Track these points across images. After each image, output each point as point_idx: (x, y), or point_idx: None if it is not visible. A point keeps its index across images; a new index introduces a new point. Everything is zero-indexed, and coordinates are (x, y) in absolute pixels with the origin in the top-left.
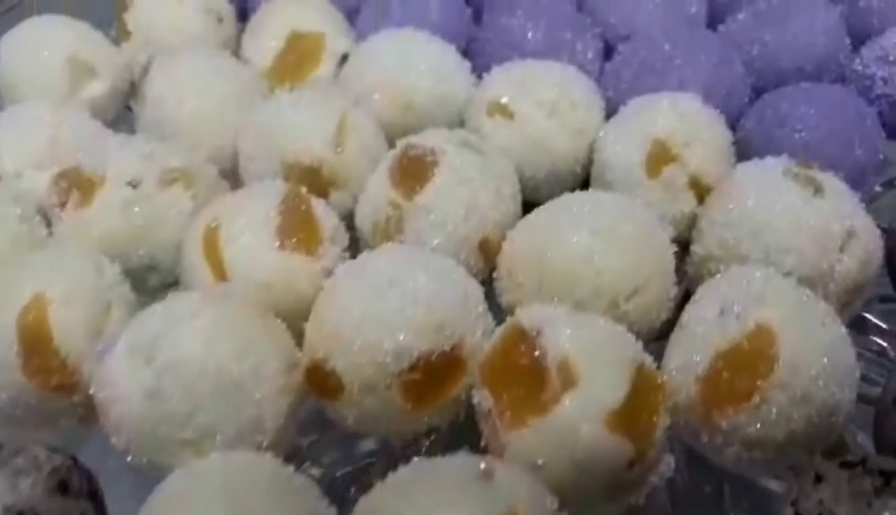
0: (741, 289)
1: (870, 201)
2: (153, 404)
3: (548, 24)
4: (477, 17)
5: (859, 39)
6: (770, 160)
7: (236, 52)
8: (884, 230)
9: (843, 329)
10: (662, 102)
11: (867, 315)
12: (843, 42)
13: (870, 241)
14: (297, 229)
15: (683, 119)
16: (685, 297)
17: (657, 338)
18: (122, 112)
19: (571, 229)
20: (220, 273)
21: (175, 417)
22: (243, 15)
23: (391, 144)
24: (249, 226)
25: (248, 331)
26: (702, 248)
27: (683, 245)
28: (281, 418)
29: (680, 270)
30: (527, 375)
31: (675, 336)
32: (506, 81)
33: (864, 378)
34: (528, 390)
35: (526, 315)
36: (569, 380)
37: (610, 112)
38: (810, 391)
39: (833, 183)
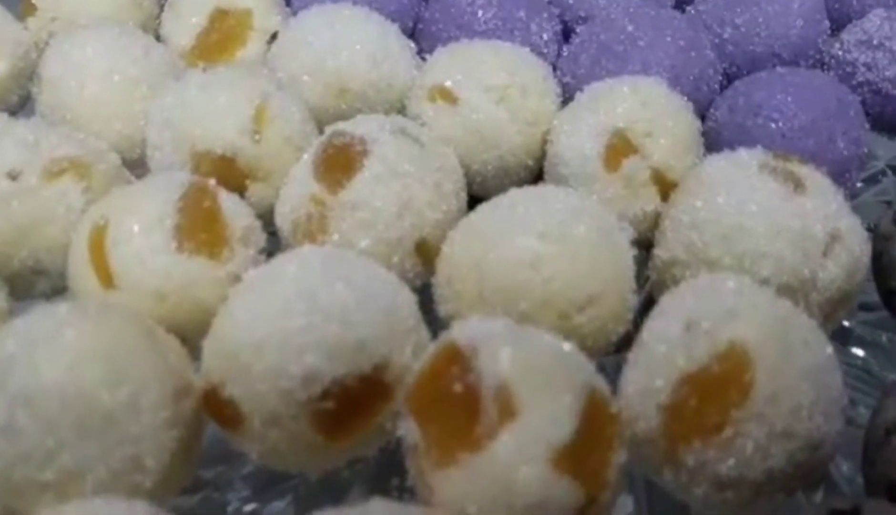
0: (710, 301)
1: (852, 198)
2: (5, 441)
3: (500, 2)
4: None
5: (839, 23)
6: (743, 153)
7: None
8: (868, 230)
9: (829, 348)
10: (622, 88)
11: (848, 325)
12: (823, 25)
13: (856, 244)
14: (198, 229)
15: (646, 106)
16: (647, 306)
17: (614, 351)
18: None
19: (516, 232)
20: (107, 279)
21: (32, 456)
22: None
23: (324, 131)
24: (141, 225)
25: (126, 352)
26: (665, 251)
27: (646, 246)
28: (166, 455)
29: (641, 274)
30: (460, 403)
31: (635, 355)
32: (450, 63)
33: None
34: (461, 422)
35: (461, 331)
36: (507, 411)
37: (567, 98)
38: (791, 423)
39: (815, 178)
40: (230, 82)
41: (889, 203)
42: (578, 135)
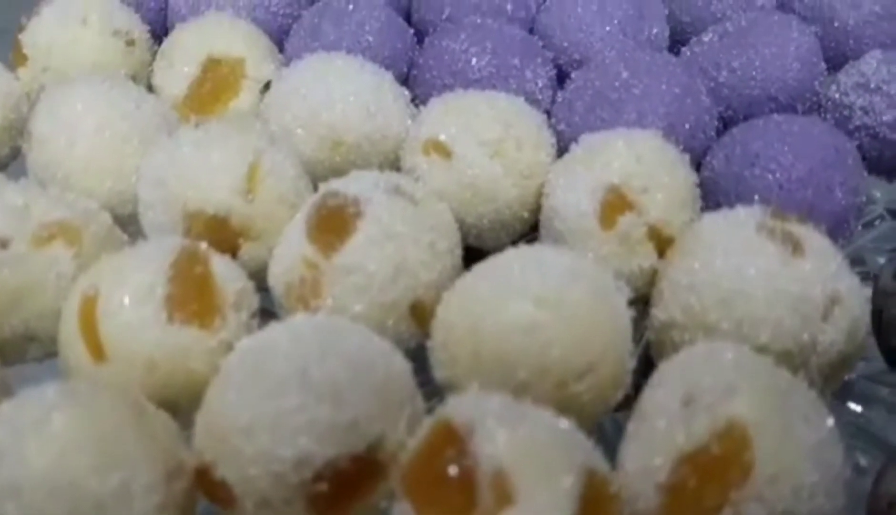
0: (709, 373)
1: (849, 244)
2: None
3: (494, 49)
4: (421, 40)
5: (836, 61)
6: (741, 211)
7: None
8: (866, 277)
9: (830, 421)
10: (617, 142)
11: (847, 378)
12: (819, 67)
13: (856, 305)
14: (189, 297)
15: (641, 161)
16: (644, 365)
17: (613, 410)
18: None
19: (511, 297)
20: (97, 352)
21: None
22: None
23: (318, 186)
24: (131, 296)
25: (116, 436)
26: (663, 312)
27: (643, 301)
28: None
29: (639, 329)
30: (456, 487)
31: (634, 428)
32: (444, 115)
33: None
34: (457, 506)
35: (456, 409)
36: (504, 497)
37: (562, 147)
38: (792, 504)
39: (814, 239)
40: (222, 140)
41: (890, 251)
42: (573, 190)
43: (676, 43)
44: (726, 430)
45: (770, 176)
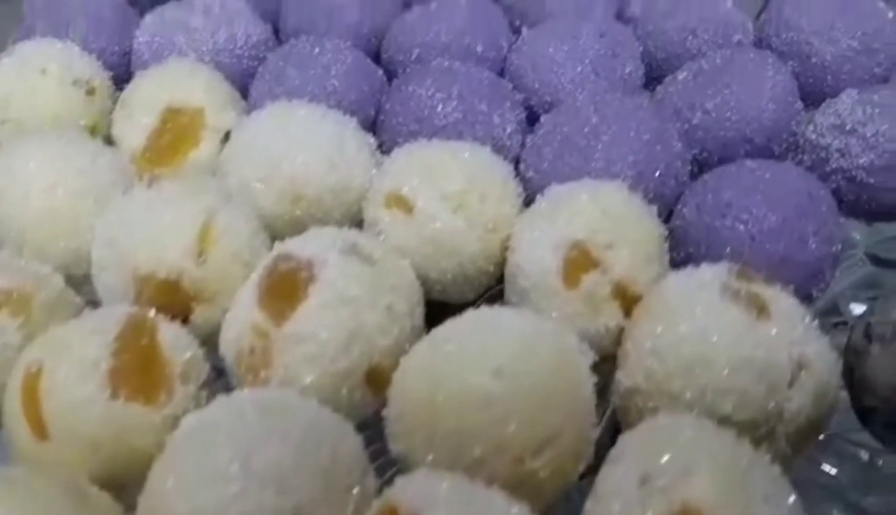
0: (667, 451)
1: (826, 291)
2: None
3: (460, 93)
4: (391, 79)
5: (813, 99)
6: (706, 270)
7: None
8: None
9: (792, 497)
10: (581, 196)
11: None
12: (795, 107)
13: (824, 369)
14: (134, 372)
15: (605, 216)
16: (614, 429)
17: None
18: None
19: (468, 369)
20: (40, 430)
21: None
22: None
23: (278, 241)
24: (75, 372)
25: None
26: (628, 377)
27: (610, 359)
28: None
29: (606, 391)
30: None
31: (591, 507)
32: (407, 167)
33: None
34: None
35: (404, 493)
36: None
37: (531, 194)
38: None
39: (780, 300)
40: (174, 200)
41: (870, 298)
42: (537, 247)
43: (652, 80)
44: (682, 513)
45: (741, 227)
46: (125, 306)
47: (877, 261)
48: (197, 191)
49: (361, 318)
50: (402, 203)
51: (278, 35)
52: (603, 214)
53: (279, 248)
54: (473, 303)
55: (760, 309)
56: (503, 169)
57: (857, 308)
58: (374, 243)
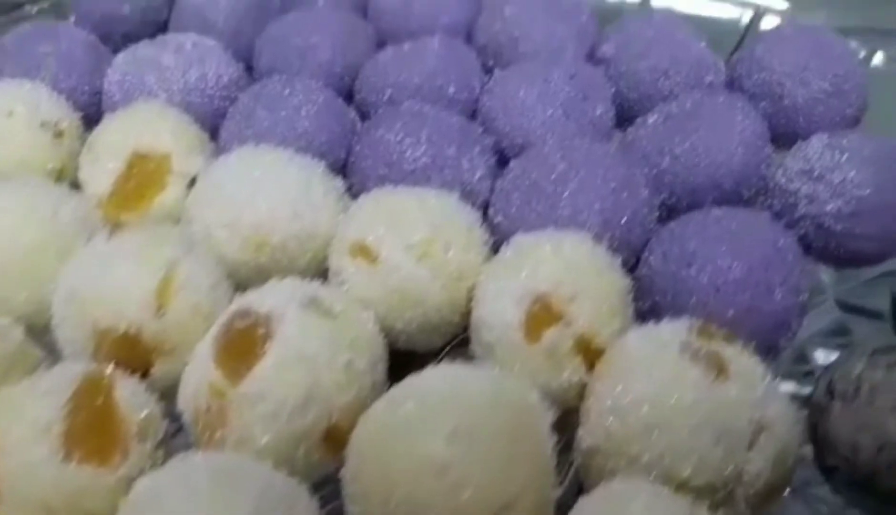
0: None
1: (792, 338)
2: None
3: (429, 138)
4: (365, 118)
5: (785, 141)
6: (667, 328)
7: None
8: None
9: None
10: (545, 247)
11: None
12: (765, 151)
13: (784, 431)
14: (89, 432)
15: (569, 269)
16: (577, 486)
17: None
18: None
19: (423, 434)
20: None
21: None
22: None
23: (243, 290)
24: (28, 432)
25: None
26: (589, 435)
27: (575, 413)
28: None
29: (568, 450)
30: None
31: None
32: (372, 214)
33: None
34: None
35: None
36: None
37: (500, 239)
38: None
39: (740, 361)
40: (134, 253)
41: (840, 346)
42: (499, 300)
43: (624, 121)
44: None
45: (706, 278)
46: (81, 363)
47: (846, 307)
48: (158, 242)
49: (319, 376)
50: (366, 253)
51: (253, 72)
52: (566, 266)
53: (238, 302)
54: (441, 350)
55: (720, 370)
56: (469, 216)
57: (826, 356)
58: (335, 295)
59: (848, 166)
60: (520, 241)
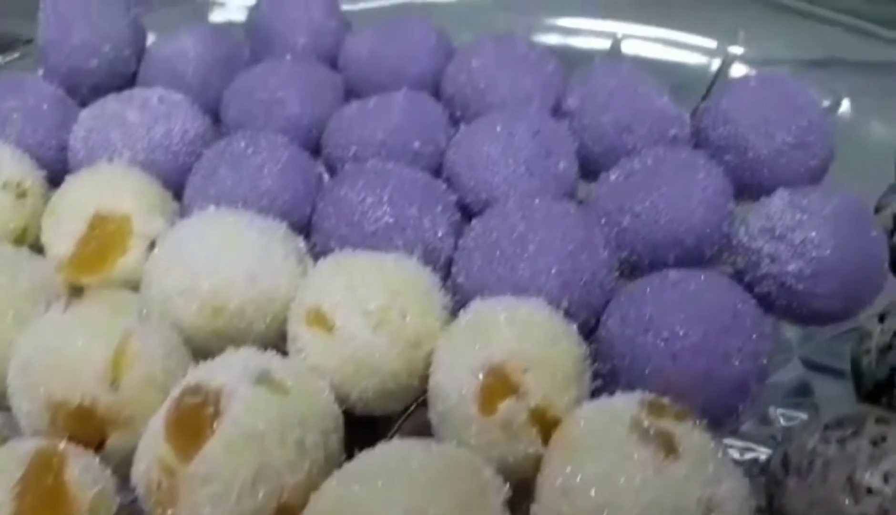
0: None
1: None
2: None
3: (391, 198)
4: (332, 172)
5: (750, 193)
6: (618, 403)
7: None
8: (763, 470)
9: None
10: (499, 316)
11: None
12: (726, 208)
13: (735, 510)
14: (37, 512)
15: (523, 339)
16: None
17: None
18: None
19: (374, 513)
20: None
21: None
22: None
23: (201, 354)
24: None
25: None
26: (543, 512)
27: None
28: None
29: None
30: None
31: None
32: (329, 281)
33: None
34: None
35: None
36: None
37: (462, 300)
38: None
39: (691, 438)
40: (88, 324)
41: (807, 407)
42: (454, 370)
43: (589, 173)
44: None
45: (663, 344)
46: (32, 441)
47: (810, 365)
48: (113, 311)
49: (269, 455)
50: (322, 320)
51: (221, 125)
52: (520, 336)
53: (190, 376)
54: (402, 413)
55: (669, 449)
56: (428, 280)
57: (789, 418)
58: (289, 367)
59: (809, 226)
60: (476, 308)
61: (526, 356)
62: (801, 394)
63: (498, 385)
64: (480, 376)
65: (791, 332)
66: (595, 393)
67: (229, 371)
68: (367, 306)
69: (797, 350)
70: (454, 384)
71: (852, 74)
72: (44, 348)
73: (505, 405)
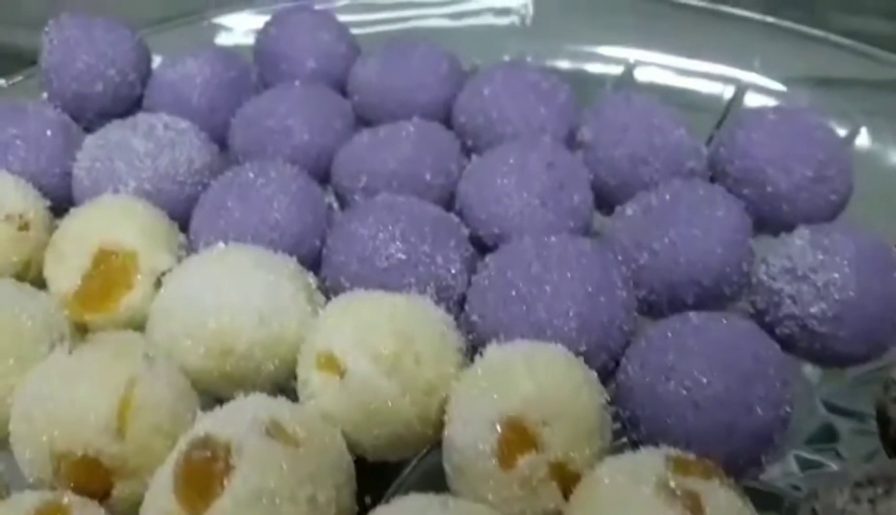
0: None
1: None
2: None
3: (403, 234)
4: (341, 203)
5: (770, 227)
6: (643, 460)
7: None
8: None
9: None
10: (518, 365)
11: None
12: (746, 247)
13: None
14: None
15: (542, 390)
16: None
17: None
18: None
19: None
20: None
21: None
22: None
23: (209, 395)
24: None
25: None
26: None
27: None
28: None
29: None
30: None
31: None
32: (340, 323)
33: None
34: None
35: None
36: None
37: (476, 339)
38: None
39: (718, 497)
40: (92, 371)
41: (830, 453)
42: (471, 423)
43: (603, 205)
44: None
45: (685, 393)
46: (34, 495)
47: (832, 408)
48: (118, 355)
49: (280, 513)
50: (332, 365)
51: (227, 151)
52: (539, 386)
53: (198, 426)
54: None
55: (696, 509)
56: (441, 323)
57: (812, 465)
58: (299, 415)
59: (832, 267)
60: (493, 355)
61: (546, 407)
62: (824, 439)
63: (516, 439)
64: (499, 428)
65: (812, 373)
66: (615, 436)
67: (239, 422)
68: (379, 351)
69: (818, 392)
70: (471, 436)
71: (870, 97)
72: (47, 396)
73: (524, 460)
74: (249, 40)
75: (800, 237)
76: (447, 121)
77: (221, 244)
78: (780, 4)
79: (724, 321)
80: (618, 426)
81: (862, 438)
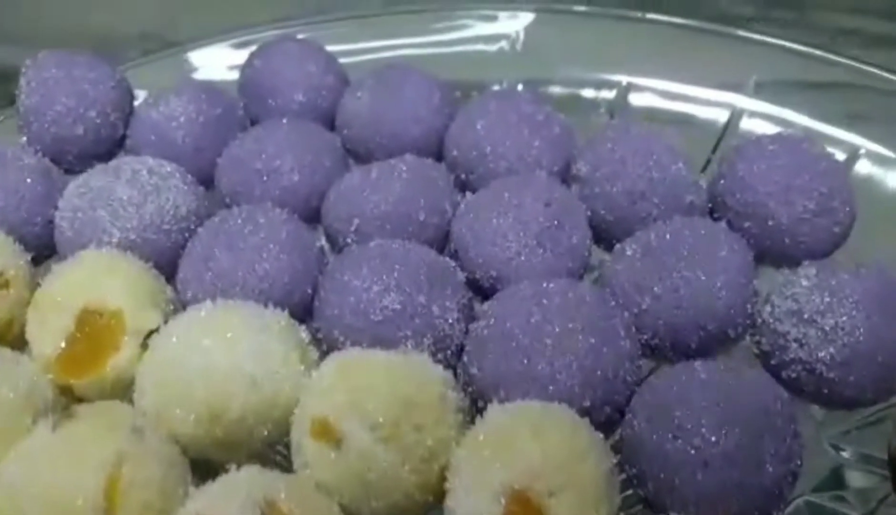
0: None
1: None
2: None
3: (398, 285)
4: (333, 244)
5: (772, 260)
6: None
7: None
8: None
9: None
10: (522, 432)
11: None
12: (750, 288)
13: None
14: None
15: (548, 458)
16: None
17: None
18: None
19: None
20: None
21: None
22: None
23: (201, 460)
24: None
25: None
26: None
27: None
28: None
29: None
30: None
31: None
32: (336, 384)
33: None
34: None
35: None
36: None
37: (476, 391)
38: None
39: None
40: (77, 449)
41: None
42: (474, 494)
43: (600, 241)
44: None
45: (693, 452)
46: None
47: (840, 450)
48: (105, 430)
49: None
50: (327, 433)
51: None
52: (545, 456)
53: (189, 507)
54: None
55: None
56: (440, 383)
57: (821, 508)
58: (294, 490)
59: (839, 310)
60: (495, 419)
61: (552, 478)
62: (833, 486)
63: (521, 511)
64: (503, 500)
65: (818, 415)
66: (623, 489)
67: (231, 501)
68: (375, 419)
69: (824, 433)
70: (474, 508)
71: (871, 121)
72: (31, 477)
73: None
74: (233, 75)
75: (806, 278)
76: (439, 152)
77: (209, 302)
78: (770, 5)
79: (731, 372)
80: (623, 477)
81: (873, 485)
